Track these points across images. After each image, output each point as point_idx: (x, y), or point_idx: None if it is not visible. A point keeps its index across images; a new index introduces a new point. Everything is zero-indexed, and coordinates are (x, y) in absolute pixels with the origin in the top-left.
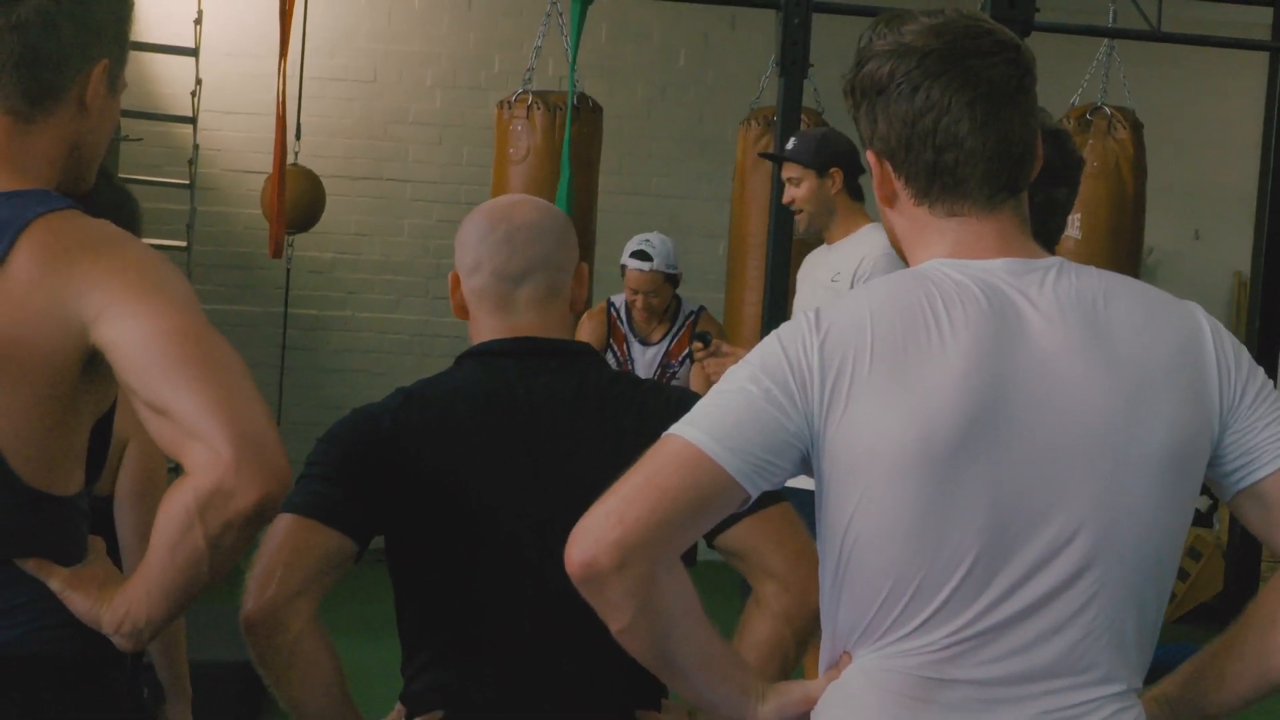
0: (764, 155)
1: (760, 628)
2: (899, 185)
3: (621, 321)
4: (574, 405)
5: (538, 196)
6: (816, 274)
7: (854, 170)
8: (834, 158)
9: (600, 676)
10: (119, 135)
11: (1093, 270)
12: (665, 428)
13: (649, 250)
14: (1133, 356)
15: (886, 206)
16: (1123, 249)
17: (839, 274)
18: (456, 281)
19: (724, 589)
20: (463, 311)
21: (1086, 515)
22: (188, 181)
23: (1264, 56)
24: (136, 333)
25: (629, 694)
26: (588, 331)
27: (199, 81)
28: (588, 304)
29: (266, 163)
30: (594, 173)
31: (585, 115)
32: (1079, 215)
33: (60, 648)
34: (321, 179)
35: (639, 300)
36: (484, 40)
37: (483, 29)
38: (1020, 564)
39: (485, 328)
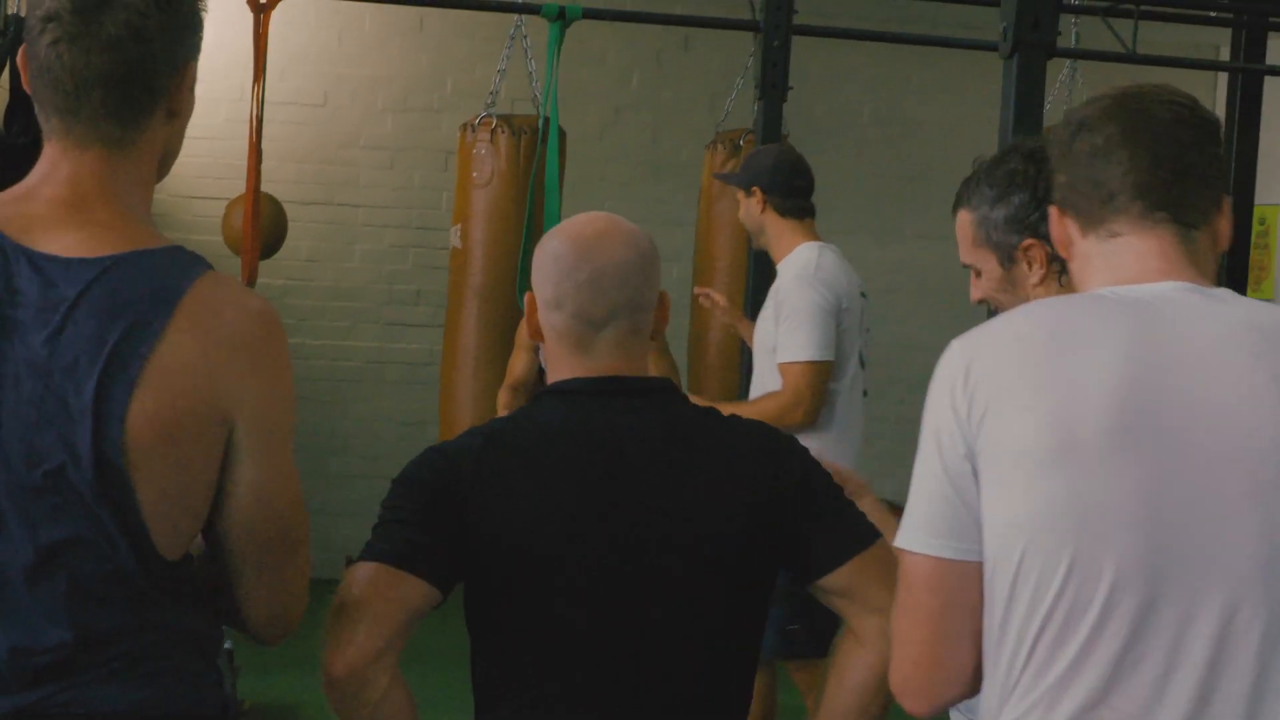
0: (716, 175)
1: (864, 664)
2: (1071, 227)
3: None
4: (660, 447)
5: (505, 218)
6: None
7: (775, 188)
8: (754, 175)
9: None
10: None
11: (1268, 304)
12: (756, 472)
13: None
14: None
15: (1069, 261)
16: None
17: (770, 300)
18: (533, 305)
19: None
20: (538, 335)
21: (1250, 537)
22: None
23: (1211, 76)
24: (252, 486)
25: None
26: (525, 334)
27: None
28: None
29: (217, 188)
30: (558, 197)
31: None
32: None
33: (190, 707)
34: None
35: None
36: (436, 62)
37: (435, 51)
38: (1178, 577)
39: (564, 365)
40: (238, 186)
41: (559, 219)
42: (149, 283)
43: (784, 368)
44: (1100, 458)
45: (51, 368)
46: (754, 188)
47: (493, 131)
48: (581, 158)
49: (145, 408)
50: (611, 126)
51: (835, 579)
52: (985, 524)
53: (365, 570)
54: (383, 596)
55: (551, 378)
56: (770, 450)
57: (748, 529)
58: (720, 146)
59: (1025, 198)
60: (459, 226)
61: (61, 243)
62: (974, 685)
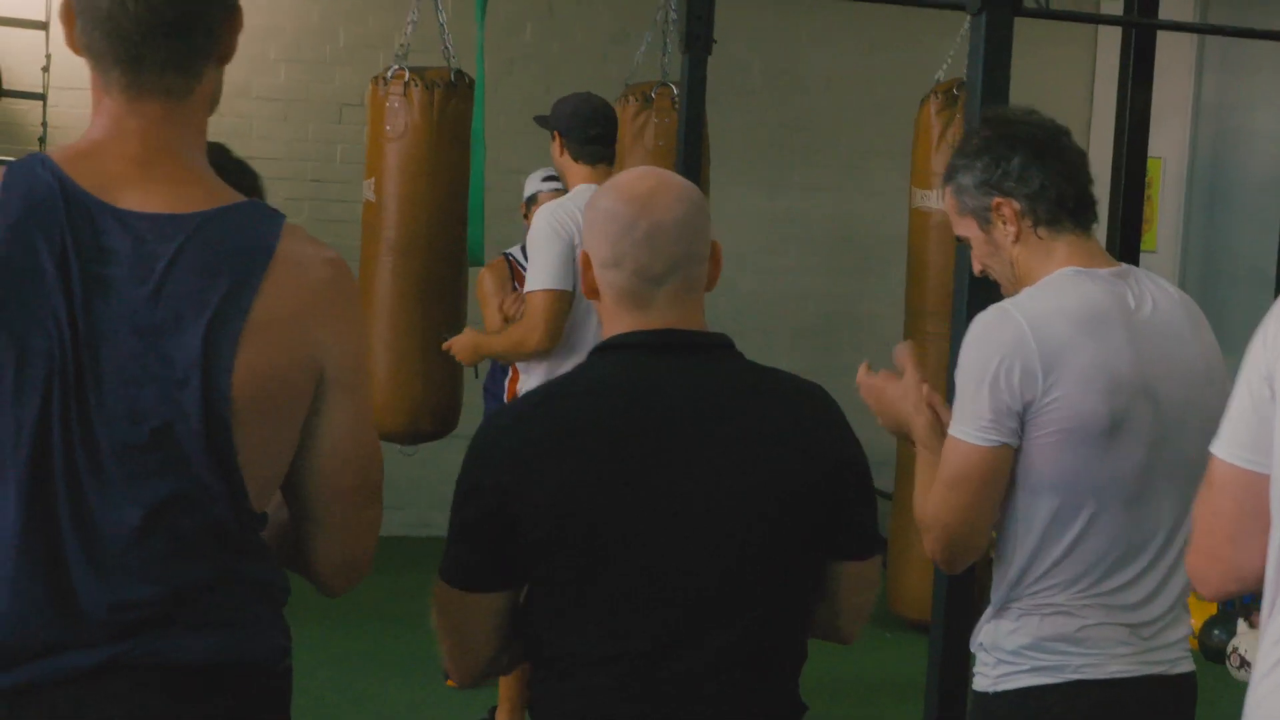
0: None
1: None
2: None
3: (523, 266)
4: (719, 405)
5: (420, 172)
6: None
7: (570, 133)
8: (555, 120)
9: (744, 692)
10: None
11: None
12: (807, 438)
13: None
14: None
15: None
16: None
17: None
18: (588, 264)
19: None
20: (593, 294)
21: None
22: None
23: (1091, 30)
24: (340, 431)
25: (772, 712)
26: (489, 283)
27: (49, 56)
28: None
29: None
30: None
31: (462, 92)
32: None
33: (265, 654)
34: None
35: None
36: (327, 13)
37: (326, 1)
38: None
39: (622, 320)
40: None
41: (483, 172)
42: (242, 238)
43: (527, 296)
44: None
45: (153, 324)
46: (554, 132)
47: (405, 85)
48: None
49: (248, 362)
50: (504, 78)
51: (836, 570)
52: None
53: (446, 595)
54: (472, 618)
55: (607, 333)
56: (821, 418)
57: (795, 493)
58: (632, 99)
59: (988, 160)
60: (372, 180)
61: (143, 199)
62: (1256, 585)
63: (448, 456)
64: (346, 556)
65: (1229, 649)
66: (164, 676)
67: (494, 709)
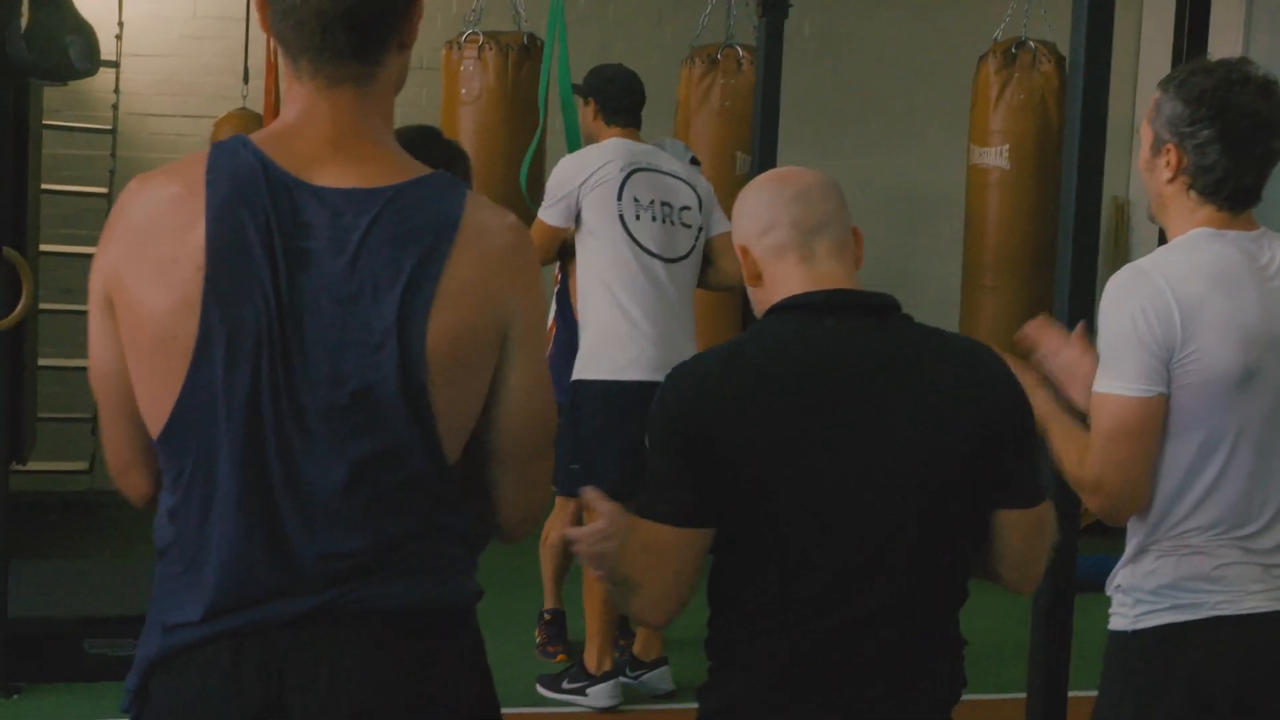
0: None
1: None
2: None
3: None
4: (895, 364)
5: (494, 134)
6: None
7: (603, 100)
8: (588, 89)
9: (912, 634)
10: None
11: None
12: (979, 400)
13: None
14: None
15: None
16: (1046, 178)
17: None
18: (745, 251)
19: None
20: (755, 279)
21: None
22: (110, 127)
23: None
24: (524, 388)
25: (948, 674)
26: None
27: (121, 24)
28: None
29: (171, 105)
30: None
31: (535, 55)
32: (1008, 146)
33: (462, 598)
34: None
35: None
36: None
37: None
38: None
39: (791, 280)
40: (190, 103)
41: (578, 127)
42: (431, 209)
43: (537, 219)
44: None
45: (350, 293)
46: (589, 99)
47: (479, 49)
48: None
49: (440, 326)
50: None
51: (1005, 518)
52: None
53: (653, 534)
54: (680, 554)
55: (778, 296)
56: (991, 375)
57: (969, 449)
58: (698, 61)
59: (1187, 113)
60: None
61: (337, 176)
62: None
63: None
64: (529, 506)
65: None
66: (371, 620)
67: (578, 662)
